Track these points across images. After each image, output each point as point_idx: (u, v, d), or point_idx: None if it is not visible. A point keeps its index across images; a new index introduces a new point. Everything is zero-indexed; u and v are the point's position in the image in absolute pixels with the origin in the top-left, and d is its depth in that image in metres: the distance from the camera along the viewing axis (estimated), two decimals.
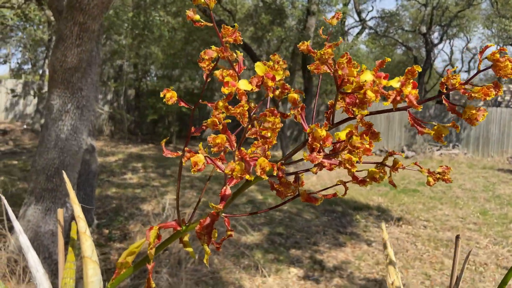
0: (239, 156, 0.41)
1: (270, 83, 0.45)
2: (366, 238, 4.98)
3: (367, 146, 0.39)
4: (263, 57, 14.42)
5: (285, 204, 6.78)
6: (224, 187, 0.44)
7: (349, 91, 0.41)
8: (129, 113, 15.43)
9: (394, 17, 19.88)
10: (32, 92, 14.52)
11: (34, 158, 3.56)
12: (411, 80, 0.40)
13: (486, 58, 0.38)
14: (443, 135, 0.42)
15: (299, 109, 0.48)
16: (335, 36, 12.84)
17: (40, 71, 17.10)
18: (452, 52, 36.77)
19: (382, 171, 0.52)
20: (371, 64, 18.39)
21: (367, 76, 0.44)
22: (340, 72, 0.38)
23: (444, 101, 0.40)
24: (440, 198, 7.36)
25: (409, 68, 0.40)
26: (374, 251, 4.57)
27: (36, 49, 19.26)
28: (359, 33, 16.06)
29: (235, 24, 0.49)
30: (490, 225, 5.66)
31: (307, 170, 0.53)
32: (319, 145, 0.41)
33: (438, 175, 0.51)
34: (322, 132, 0.40)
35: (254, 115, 0.43)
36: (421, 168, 0.51)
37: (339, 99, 0.42)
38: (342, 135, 0.47)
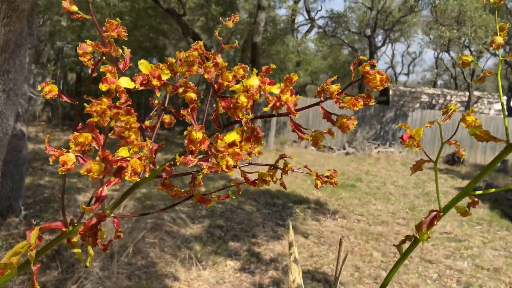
0: (101, 156, 0.40)
1: (155, 82, 0.44)
2: (304, 231, 5.12)
3: (237, 150, 0.39)
4: (213, 47, 14.26)
5: (223, 200, 6.81)
6: (101, 188, 0.42)
7: (232, 93, 0.41)
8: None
9: (341, 18, 20.50)
10: None
11: None
12: (290, 87, 0.40)
13: (358, 70, 0.40)
14: (319, 141, 0.43)
15: (189, 109, 0.47)
16: (285, 32, 13.00)
17: None
18: (393, 55, 38.70)
19: (273, 173, 0.53)
20: (319, 62, 18.84)
21: (254, 81, 0.44)
22: (206, 76, 0.38)
23: (321, 109, 0.41)
24: (375, 193, 7.75)
25: (287, 75, 0.40)
26: (310, 243, 4.71)
27: None
28: (308, 31, 16.38)
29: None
30: (417, 220, 6.05)
31: (198, 171, 0.52)
32: (194, 148, 0.40)
33: (325, 179, 0.53)
34: (198, 135, 0.40)
35: (109, 119, 0.41)
36: (310, 171, 0.53)
37: (219, 103, 0.42)
38: (228, 138, 0.47)
